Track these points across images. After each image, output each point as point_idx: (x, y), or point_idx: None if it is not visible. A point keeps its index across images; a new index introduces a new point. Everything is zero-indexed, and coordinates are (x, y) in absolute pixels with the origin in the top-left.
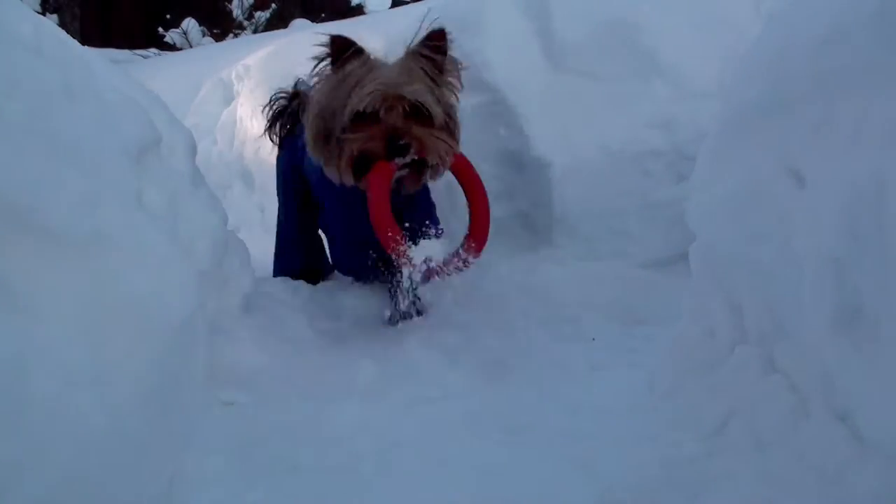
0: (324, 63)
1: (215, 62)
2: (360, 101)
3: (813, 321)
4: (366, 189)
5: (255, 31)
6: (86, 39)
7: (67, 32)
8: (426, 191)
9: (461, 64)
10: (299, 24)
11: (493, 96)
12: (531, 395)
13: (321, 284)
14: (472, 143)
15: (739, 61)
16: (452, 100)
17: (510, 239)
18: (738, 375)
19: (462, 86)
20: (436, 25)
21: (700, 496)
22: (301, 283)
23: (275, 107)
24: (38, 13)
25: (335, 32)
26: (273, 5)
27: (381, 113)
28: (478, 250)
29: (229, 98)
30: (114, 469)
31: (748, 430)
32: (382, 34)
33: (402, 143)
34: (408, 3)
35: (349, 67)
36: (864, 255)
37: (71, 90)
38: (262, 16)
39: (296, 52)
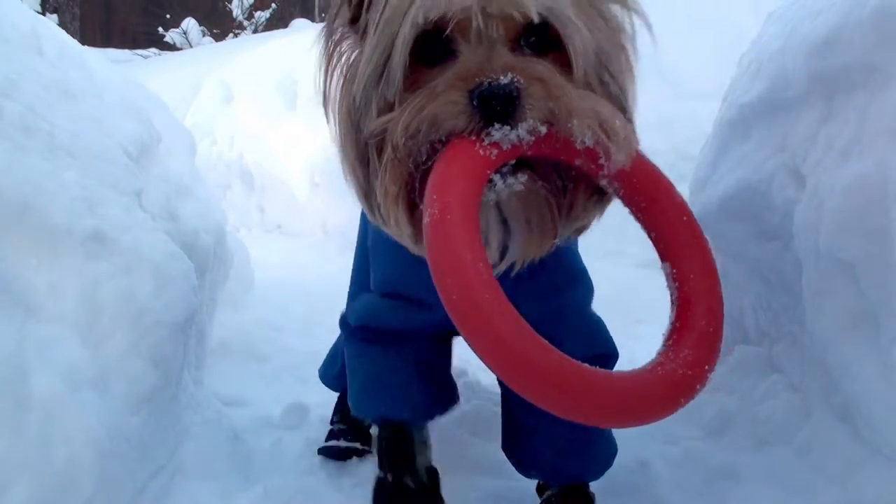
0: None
1: (215, 62)
2: (417, 22)
3: (814, 321)
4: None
5: (255, 31)
6: (86, 39)
7: (67, 32)
8: (569, 257)
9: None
10: (299, 24)
11: None
12: None
13: (321, 283)
14: None
15: (739, 61)
16: (614, 49)
17: None
18: (739, 375)
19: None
20: None
21: (702, 495)
22: (299, 283)
23: None
24: (38, 13)
25: None
26: (273, 5)
27: (460, 44)
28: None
29: (229, 98)
30: (113, 468)
31: (749, 429)
32: None
33: (505, 82)
34: None
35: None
36: (865, 255)
37: (71, 90)
38: (262, 16)
39: (296, 52)
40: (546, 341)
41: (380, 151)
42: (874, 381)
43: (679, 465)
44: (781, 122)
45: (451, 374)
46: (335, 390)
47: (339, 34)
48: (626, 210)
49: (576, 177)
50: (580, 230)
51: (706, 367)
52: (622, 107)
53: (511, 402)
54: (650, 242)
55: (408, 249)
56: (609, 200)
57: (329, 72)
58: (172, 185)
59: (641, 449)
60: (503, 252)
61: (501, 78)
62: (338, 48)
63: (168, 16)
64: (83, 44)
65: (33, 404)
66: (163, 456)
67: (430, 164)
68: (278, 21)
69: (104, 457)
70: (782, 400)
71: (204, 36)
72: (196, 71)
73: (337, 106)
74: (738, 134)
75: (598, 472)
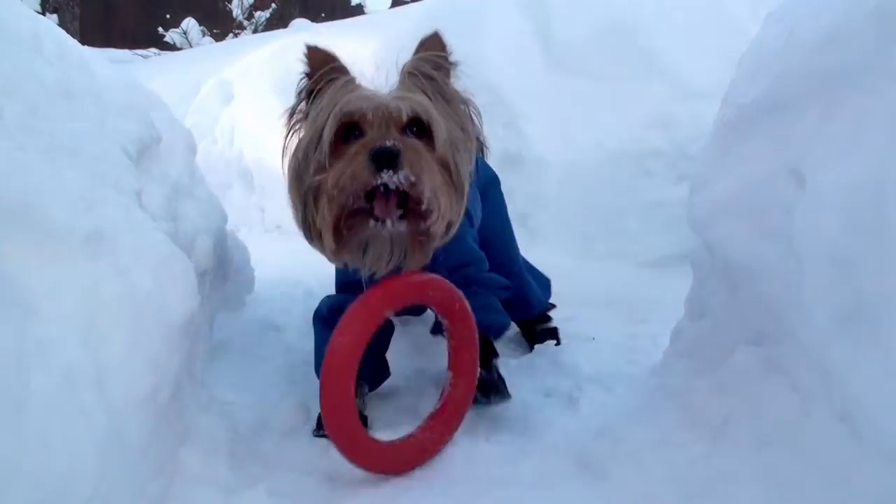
0: (301, 90)
1: (215, 62)
2: (334, 112)
3: (813, 321)
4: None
5: (255, 31)
6: (86, 39)
7: (67, 32)
8: (462, 246)
9: (470, 100)
10: (299, 24)
11: (492, 96)
12: (531, 395)
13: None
14: None
15: (739, 61)
16: (459, 136)
17: None
18: (740, 376)
19: (478, 122)
20: (429, 31)
21: (702, 496)
22: (301, 283)
23: None
24: (38, 13)
25: (312, 44)
26: (273, 5)
27: (366, 129)
28: (448, 434)
29: (229, 98)
30: (113, 469)
31: (750, 430)
32: (382, 34)
33: (389, 145)
34: (408, 2)
35: (326, 92)
36: (865, 255)
37: (71, 90)
38: (262, 16)
39: (296, 52)
40: (363, 431)
41: (315, 197)
42: (874, 381)
43: (679, 466)
44: (781, 121)
45: (385, 356)
46: None
47: (296, 118)
48: (611, 209)
49: (429, 219)
50: (443, 243)
51: (446, 439)
52: (459, 181)
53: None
54: (648, 243)
55: (326, 258)
56: (446, 237)
57: (287, 141)
58: (172, 185)
59: (641, 450)
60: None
61: (388, 143)
62: (293, 127)
63: (168, 16)
64: (83, 44)
65: (33, 404)
66: (163, 456)
67: (353, 205)
68: (278, 21)
69: (104, 457)
70: (782, 401)
71: (204, 36)
72: (196, 71)
73: (287, 165)
74: (738, 134)
75: (493, 330)
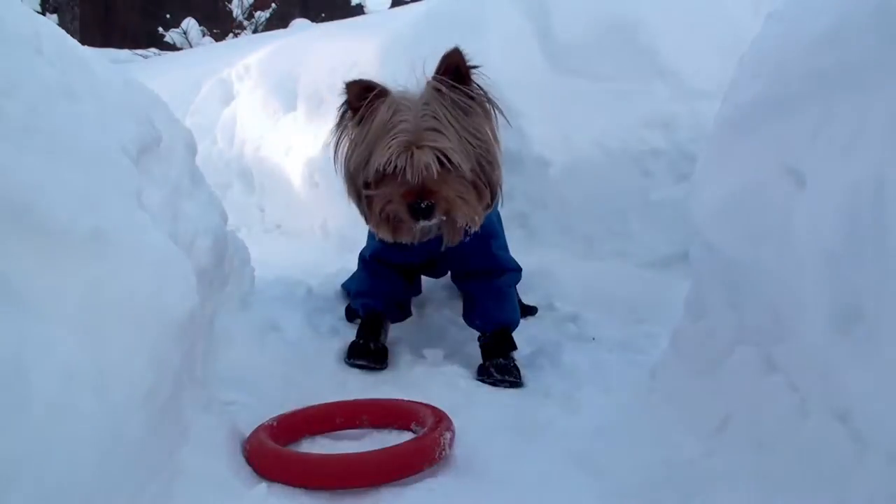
0: (344, 114)
1: (215, 62)
2: (380, 157)
3: (813, 321)
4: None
5: (255, 31)
6: (86, 39)
7: (67, 32)
8: (479, 243)
9: (489, 95)
10: (299, 24)
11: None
12: (532, 395)
13: (321, 283)
14: None
15: (739, 61)
16: (486, 139)
17: (510, 239)
18: (738, 375)
19: (499, 114)
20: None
21: (700, 495)
22: (301, 283)
23: None
24: (38, 13)
25: (354, 78)
26: (273, 5)
27: (405, 167)
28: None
29: (229, 98)
30: (113, 468)
31: (748, 429)
32: (382, 34)
33: (424, 205)
34: (408, 2)
35: (370, 120)
36: (864, 255)
37: (71, 90)
38: (262, 16)
39: (296, 51)
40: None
41: (369, 203)
42: (872, 381)
43: (678, 466)
44: (781, 121)
45: (410, 300)
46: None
47: (346, 124)
48: (611, 209)
49: (462, 224)
50: (467, 232)
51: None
52: (483, 196)
53: (469, 290)
54: (648, 243)
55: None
56: (493, 204)
57: (339, 143)
58: (172, 185)
59: (640, 450)
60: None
61: (422, 204)
62: (345, 132)
63: (168, 16)
64: (83, 44)
65: (33, 404)
66: (163, 456)
67: (397, 222)
68: (278, 21)
69: (104, 457)
70: (781, 400)
71: (204, 36)
72: (196, 71)
73: (342, 166)
74: (738, 133)
75: (513, 324)
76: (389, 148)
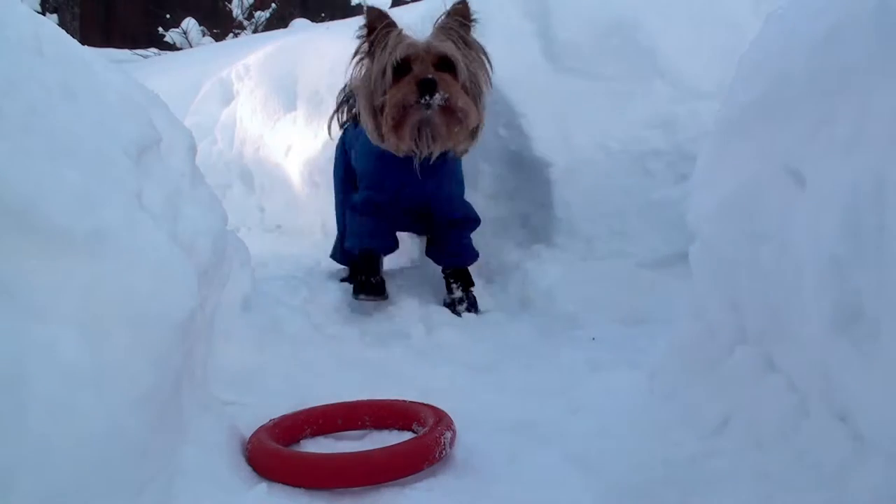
0: (361, 40)
1: (215, 62)
2: (393, 56)
3: (813, 321)
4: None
5: (255, 31)
6: (86, 39)
7: (67, 32)
8: (457, 167)
9: (483, 48)
10: (299, 24)
11: (493, 96)
12: (532, 395)
13: (321, 283)
14: None
15: (739, 61)
16: (478, 70)
17: (510, 239)
18: (738, 375)
19: (490, 66)
20: None
21: (700, 495)
22: (301, 283)
23: (340, 98)
24: (38, 13)
25: (370, 4)
26: (273, 5)
27: (413, 66)
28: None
29: (229, 98)
30: (113, 468)
31: (748, 429)
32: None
33: (429, 77)
34: (408, 2)
35: (383, 45)
36: (864, 255)
37: (71, 90)
38: (262, 16)
39: (296, 52)
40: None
41: (381, 110)
42: (872, 380)
43: (678, 466)
44: (781, 121)
45: (395, 233)
46: (342, 263)
47: (361, 54)
48: (611, 209)
49: (458, 116)
50: (461, 150)
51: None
52: (476, 100)
53: (443, 236)
54: (648, 244)
55: (385, 149)
56: (476, 136)
57: (354, 71)
58: (172, 185)
59: (640, 450)
60: (429, 142)
61: (429, 76)
62: (360, 62)
63: (168, 16)
64: (83, 44)
65: (33, 404)
66: (163, 456)
67: (405, 113)
68: (278, 21)
69: (104, 457)
70: (781, 400)
71: (204, 36)
72: (196, 71)
73: (360, 90)
74: (738, 134)
75: (470, 262)
76: (402, 48)
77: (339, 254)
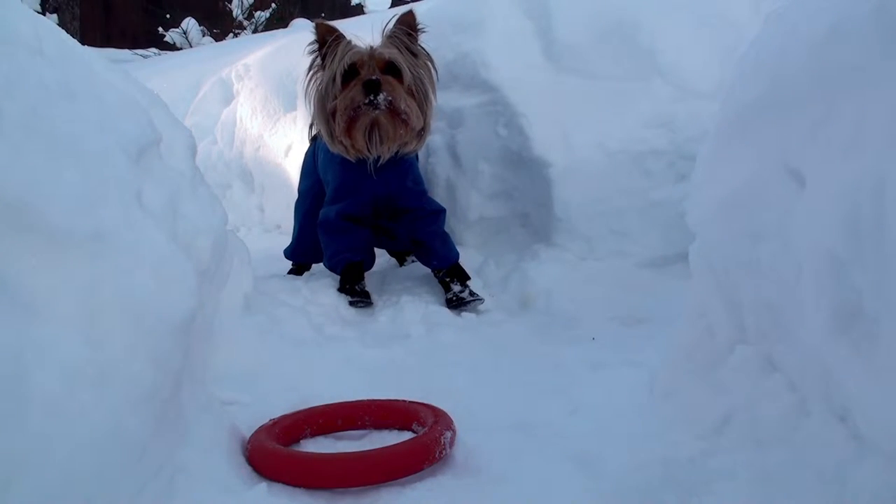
0: (313, 52)
1: (215, 62)
2: (343, 63)
3: (813, 321)
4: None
5: (255, 31)
6: (86, 39)
7: (67, 32)
8: (413, 167)
9: (430, 56)
10: (299, 23)
11: (493, 96)
12: (531, 395)
13: (321, 283)
14: (473, 143)
15: (739, 61)
16: (423, 76)
17: (510, 239)
18: (738, 375)
19: (436, 73)
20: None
21: (700, 495)
22: (301, 284)
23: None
24: (38, 13)
25: (317, 20)
26: (273, 5)
27: (361, 71)
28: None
29: (229, 98)
30: (114, 468)
31: (748, 429)
32: (382, 33)
33: (374, 78)
34: (408, 3)
35: (333, 55)
36: (864, 255)
37: (71, 90)
38: (262, 16)
39: (296, 51)
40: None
41: (333, 115)
42: (872, 380)
43: (678, 466)
44: (781, 122)
45: (373, 251)
46: (292, 261)
47: (315, 69)
48: (611, 209)
49: (402, 114)
50: (409, 150)
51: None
52: (422, 104)
53: (421, 238)
54: (648, 243)
55: (345, 157)
56: (423, 137)
57: (309, 83)
58: (172, 185)
59: (640, 450)
60: (378, 143)
61: (373, 77)
62: (314, 75)
63: (168, 16)
64: (83, 44)
65: (33, 404)
66: (163, 455)
67: (356, 108)
68: (278, 21)
69: (104, 457)
70: (781, 400)
71: (204, 36)
72: (196, 71)
73: (313, 98)
74: (737, 134)
75: (456, 256)
76: (350, 55)
77: (291, 252)
